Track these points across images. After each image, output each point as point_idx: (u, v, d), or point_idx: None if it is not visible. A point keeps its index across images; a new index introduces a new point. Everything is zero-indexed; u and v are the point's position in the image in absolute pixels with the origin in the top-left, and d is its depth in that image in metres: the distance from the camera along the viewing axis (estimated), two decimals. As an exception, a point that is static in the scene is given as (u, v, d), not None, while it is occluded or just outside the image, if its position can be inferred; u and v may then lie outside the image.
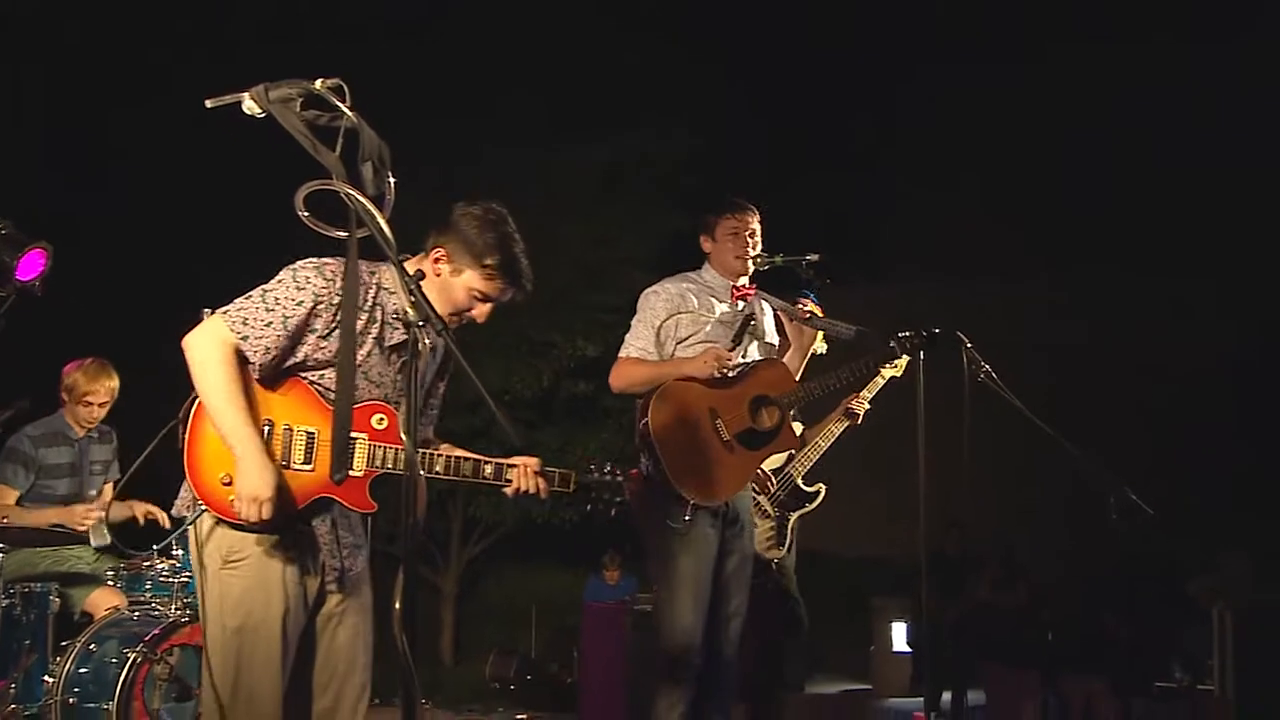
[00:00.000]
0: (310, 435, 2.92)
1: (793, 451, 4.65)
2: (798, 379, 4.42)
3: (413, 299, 2.34)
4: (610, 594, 9.62)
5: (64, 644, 4.48)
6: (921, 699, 8.52)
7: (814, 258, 4.25)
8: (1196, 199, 10.92)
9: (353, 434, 2.92)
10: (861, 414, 4.76)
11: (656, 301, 4.35)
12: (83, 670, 4.41)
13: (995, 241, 12.01)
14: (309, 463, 2.92)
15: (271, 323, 2.83)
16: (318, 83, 2.45)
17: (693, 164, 11.01)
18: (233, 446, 2.80)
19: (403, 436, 2.26)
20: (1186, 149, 10.96)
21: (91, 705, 4.36)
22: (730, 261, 4.40)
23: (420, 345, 2.32)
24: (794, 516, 4.63)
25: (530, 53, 11.09)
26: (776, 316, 4.54)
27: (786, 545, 4.72)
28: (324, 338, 2.89)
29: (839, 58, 13.00)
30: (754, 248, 4.40)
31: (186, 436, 2.86)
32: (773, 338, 4.54)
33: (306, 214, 2.90)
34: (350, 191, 2.38)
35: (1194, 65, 10.97)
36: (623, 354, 4.34)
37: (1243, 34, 10.68)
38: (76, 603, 4.79)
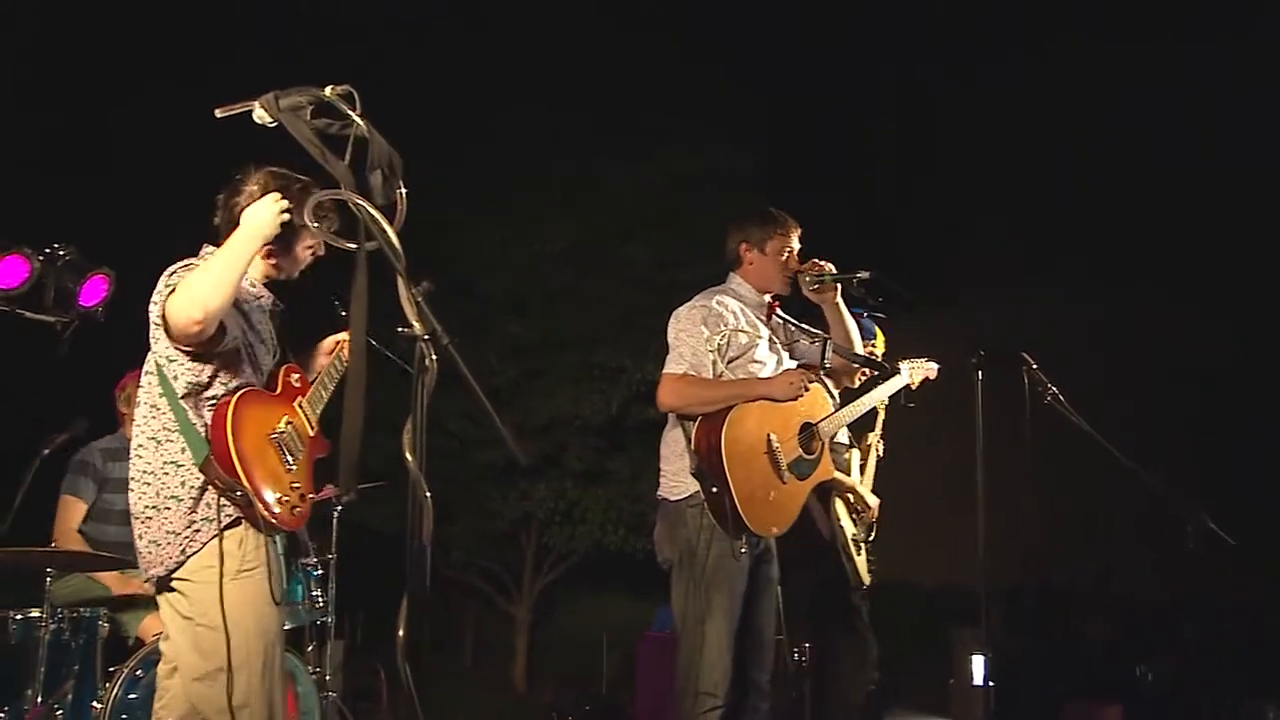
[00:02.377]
0: (291, 424, 3.23)
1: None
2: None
3: (418, 312, 2.24)
4: (680, 623, 9.46)
5: (112, 669, 4.45)
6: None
7: (865, 274, 4.09)
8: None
9: (295, 400, 3.28)
10: (881, 450, 4.62)
11: (706, 315, 4.14)
12: (131, 696, 4.38)
13: (1063, 259, 11.74)
14: (302, 446, 3.28)
15: None
16: (328, 90, 2.40)
17: (755, 184, 10.88)
18: (235, 256, 3.01)
19: (407, 456, 2.14)
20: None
21: (139, 731, 4.32)
22: (776, 279, 4.25)
23: (426, 361, 2.22)
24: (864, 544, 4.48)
25: (592, 72, 11.07)
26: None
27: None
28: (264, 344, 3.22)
29: (905, 71, 12.85)
30: (796, 263, 4.27)
31: (241, 471, 3.02)
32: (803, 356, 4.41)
33: (316, 225, 2.86)
34: (359, 202, 2.31)
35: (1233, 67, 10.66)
36: (675, 370, 4.08)
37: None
38: (129, 628, 4.79)
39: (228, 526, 3.03)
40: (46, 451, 4.87)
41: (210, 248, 3.20)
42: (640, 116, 11.15)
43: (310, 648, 5.42)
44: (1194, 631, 6.99)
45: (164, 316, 3.00)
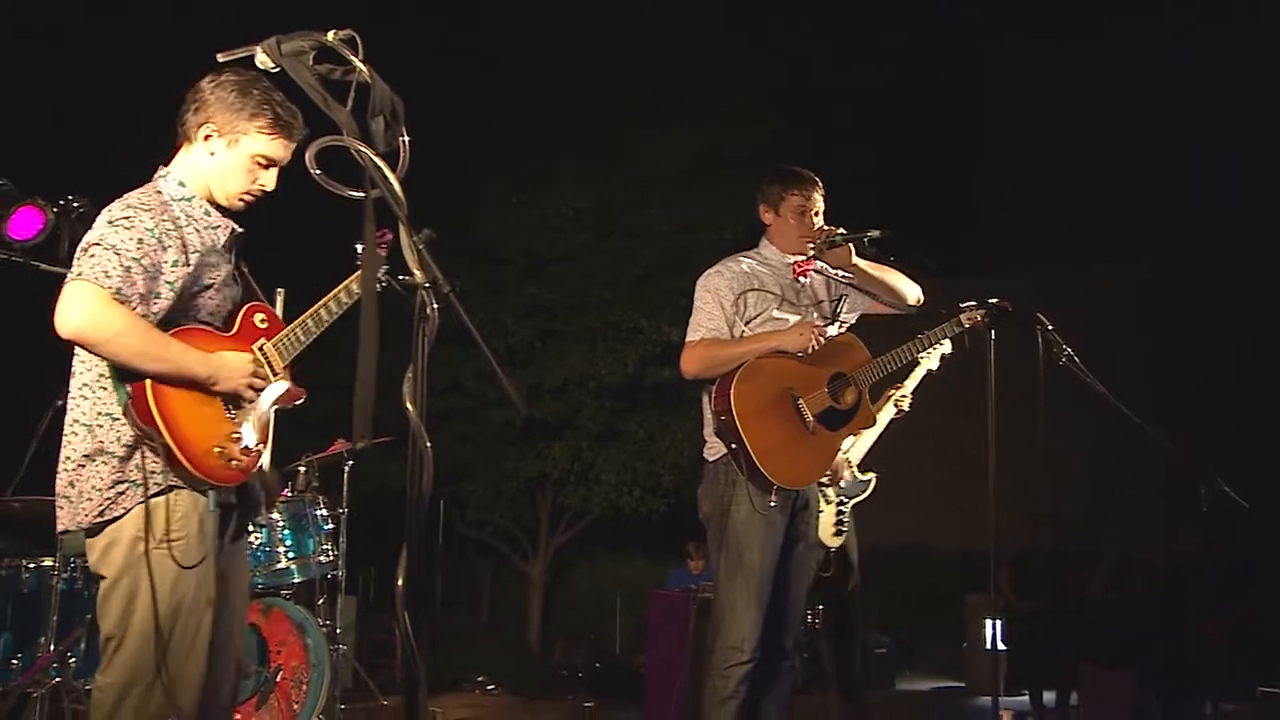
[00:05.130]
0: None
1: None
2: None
3: (420, 260, 2.21)
4: (693, 583, 9.48)
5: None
6: (1015, 698, 8.28)
7: (876, 233, 4.04)
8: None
9: (256, 343, 2.97)
10: (906, 405, 4.51)
11: (721, 281, 4.17)
12: (143, 646, 4.40)
13: (1093, 230, 11.69)
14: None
15: (130, 268, 2.71)
16: (330, 35, 2.36)
17: (779, 148, 10.78)
18: (194, 374, 2.77)
19: (408, 407, 2.12)
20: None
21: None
22: (793, 241, 4.22)
23: (428, 310, 2.20)
24: (850, 504, 4.42)
25: (613, 35, 10.98)
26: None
27: (844, 534, 4.52)
28: (185, 267, 2.82)
29: (933, 37, 12.72)
30: (821, 224, 4.21)
31: (162, 426, 2.73)
32: (845, 313, 4.36)
33: (319, 172, 2.83)
34: (361, 148, 2.27)
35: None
36: (693, 337, 4.14)
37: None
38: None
39: (155, 495, 2.76)
40: (60, 403, 4.85)
41: (164, 170, 2.95)
42: (661, 81, 11.07)
43: (321, 601, 5.45)
44: (1211, 600, 6.96)
45: (69, 290, 2.68)
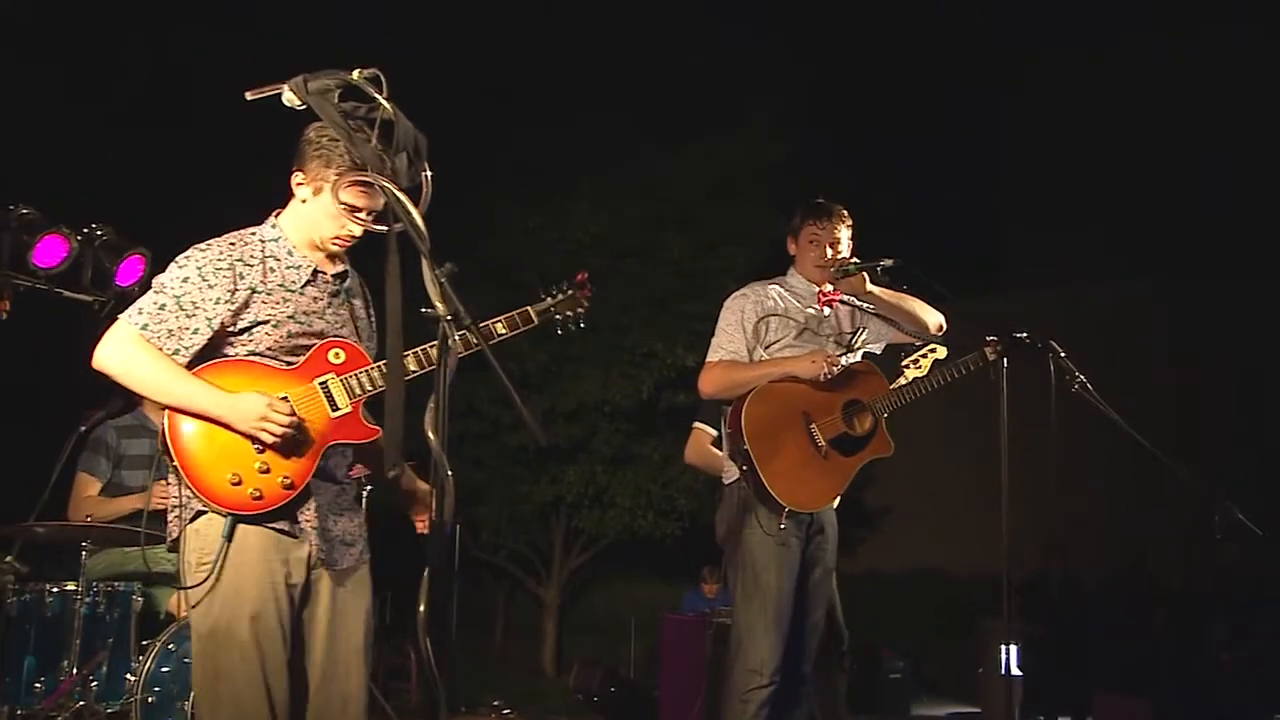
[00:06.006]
0: (284, 400, 2.93)
1: None
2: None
3: (442, 293, 2.26)
4: (708, 607, 9.48)
5: (145, 643, 4.53)
6: (1029, 725, 8.25)
7: (888, 262, 4.09)
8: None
9: (320, 378, 2.98)
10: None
11: (745, 304, 4.25)
12: (164, 669, 4.45)
13: (1110, 250, 11.69)
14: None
15: (165, 305, 2.87)
16: (355, 73, 2.42)
17: (795, 171, 10.83)
18: (203, 409, 2.83)
19: (429, 435, 2.16)
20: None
21: (170, 704, 4.40)
22: (810, 268, 4.30)
23: (450, 340, 2.24)
24: None
25: (629, 55, 11.07)
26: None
27: None
28: (229, 304, 2.90)
29: (952, 60, 12.77)
30: (839, 255, 4.26)
31: (173, 452, 2.85)
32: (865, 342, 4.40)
33: (343, 206, 2.91)
34: (385, 184, 2.33)
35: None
36: (713, 358, 4.23)
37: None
38: (160, 603, 4.86)
39: (192, 519, 2.87)
40: (83, 429, 4.94)
41: (273, 219, 3.07)
42: (676, 104, 11.14)
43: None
44: (1225, 629, 6.93)
45: (114, 327, 2.88)
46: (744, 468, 4.01)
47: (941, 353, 4.45)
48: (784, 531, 3.97)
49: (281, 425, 2.84)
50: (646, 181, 11.38)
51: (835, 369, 4.06)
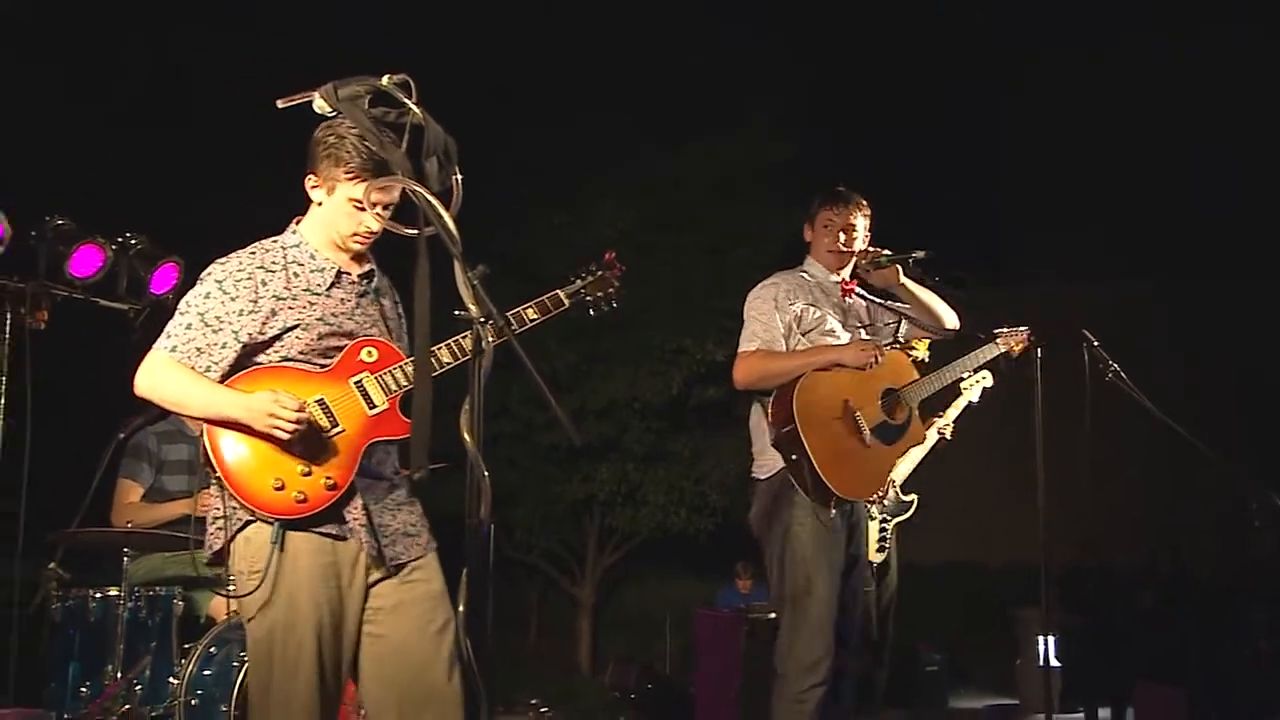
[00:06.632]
0: (320, 401, 2.94)
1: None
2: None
3: (474, 295, 2.28)
4: (742, 602, 9.49)
5: (187, 646, 4.58)
6: (1069, 715, 8.20)
7: (921, 254, 4.06)
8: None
9: (355, 377, 2.99)
10: (949, 434, 4.55)
11: (778, 291, 4.15)
12: (205, 673, 4.49)
13: (1110, 250, 11.62)
14: (336, 425, 2.95)
15: (190, 324, 2.90)
16: (385, 79, 2.44)
17: (796, 171, 10.79)
18: (226, 415, 2.85)
19: (465, 437, 2.18)
20: None
21: (213, 706, 4.44)
22: (823, 254, 4.25)
23: (484, 343, 2.26)
24: (894, 523, 4.44)
25: (630, 60, 11.08)
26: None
27: (886, 551, 4.54)
28: (254, 314, 2.92)
29: (961, 54, 12.71)
30: (854, 243, 4.23)
31: (215, 464, 2.88)
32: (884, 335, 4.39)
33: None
34: (416, 188, 2.35)
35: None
36: (748, 347, 4.09)
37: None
38: (200, 607, 4.92)
39: (240, 529, 2.89)
40: (123, 436, 4.98)
41: (294, 226, 3.09)
42: (697, 106, 11.14)
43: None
44: (1261, 619, 6.85)
45: (148, 355, 2.92)
46: (793, 457, 3.90)
47: (989, 381, 4.46)
48: (833, 523, 3.92)
49: (289, 420, 2.82)
50: (647, 181, 11.39)
51: (882, 357, 4.03)
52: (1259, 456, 9.58)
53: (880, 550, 4.31)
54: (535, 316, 3.25)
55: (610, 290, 3.45)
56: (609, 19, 11.12)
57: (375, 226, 3.02)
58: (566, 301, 3.34)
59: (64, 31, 9.67)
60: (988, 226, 13.41)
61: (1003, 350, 4.27)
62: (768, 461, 4.08)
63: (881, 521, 4.28)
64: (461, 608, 2.17)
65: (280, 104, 2.53)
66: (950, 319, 4.33)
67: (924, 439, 4.37)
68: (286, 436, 2.85)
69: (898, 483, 4.40)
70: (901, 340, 4.40)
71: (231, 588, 3.00)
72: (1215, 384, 10.76)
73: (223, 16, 10.33)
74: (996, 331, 4.30)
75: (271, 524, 2.88)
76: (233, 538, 2.91)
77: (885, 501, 4.28)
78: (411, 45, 10.61)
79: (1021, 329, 4.25)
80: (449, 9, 11.12)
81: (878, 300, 4.33)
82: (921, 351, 4.62)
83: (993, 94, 13.35)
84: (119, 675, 4.45)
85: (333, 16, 10.44)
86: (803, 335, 4.13)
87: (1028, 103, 13.36)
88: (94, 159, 9.06)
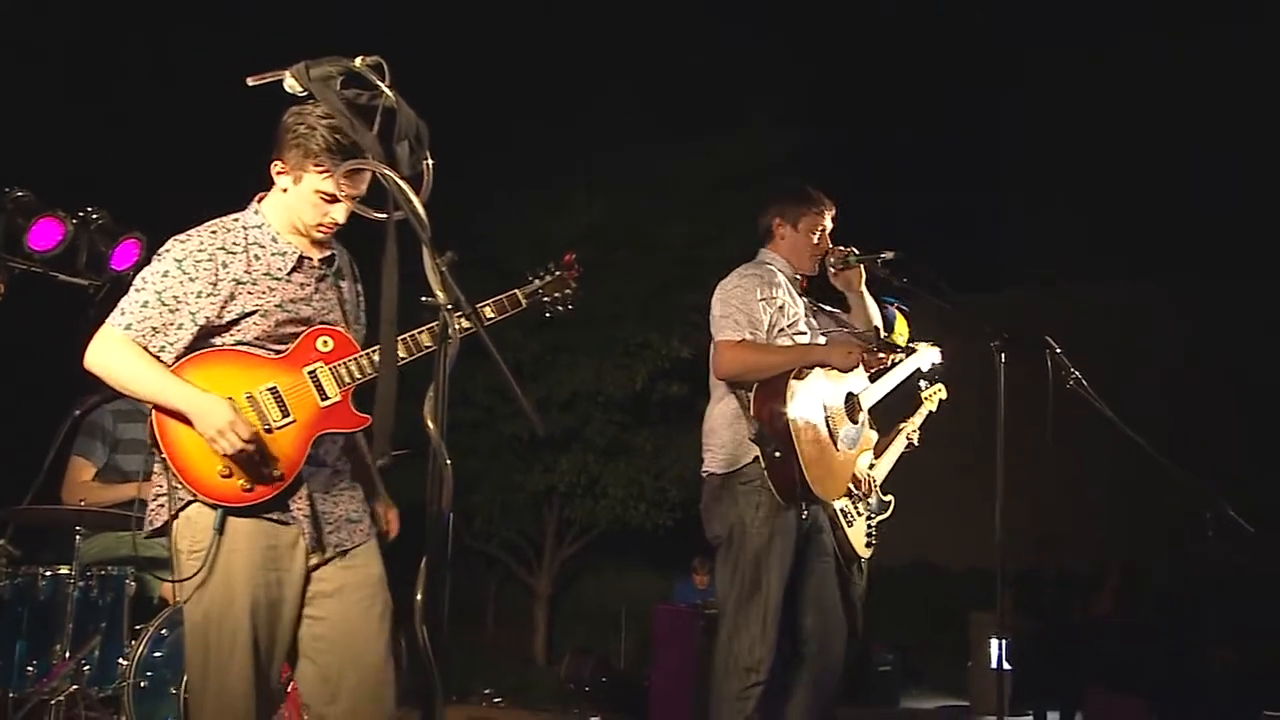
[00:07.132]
0: (273, 390, 2.91)
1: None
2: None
3: (443, 282, 2.25)
4: (699, 598, 9.51)
5: (138, 627, 4.53)
6: (1019, 718, 8.27)
7: (889, 255, 4.05)
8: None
9: (309, 367, 2.95)
10: (916, 440, 4.61)
11: (758, 283, 4.08)
12: (156, 654, 4.45)
13: (1110, 250, 11.71)
14: (287, 415, 2.92)
15: (147, 302, 2.85)
16: (358, 60, 2.41)
17: (796, 170, 10.82)
18: (175, 407, 2.81)
19: (428, 424, 2.16)
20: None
21: (163, 689, 4.40)
22: (806, 258, 4.25)
23: (451, 330, 2.24)
24: (876, 521, 4.46)
25: (630, 50, 11.06)
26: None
27: (873, 545, 4.57)
28: (213, 297, 2.87)
29: (943, 57, 12.77)
30: (826, 243, 4.27)
31: (162, 446, 2.85)
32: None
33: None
34: (385, 171, 2.32)
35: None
36: (732, 336, 3.98)
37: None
38: (153, 588, 4.86)
39: (182, 507, 2.87)
40: (78, 413, 4.92)
41: (256, 205, 3.03)
42: (675, 97, 11.13)
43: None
44: (1218, 626, 6.93)
45: (100, 330, 2.87)
46: (777, 454, 3.84)
47: (944, 393, 4.54)
48: (793, 523, 3.90)
49: (235, 446, 2.79)
50: (642, 172, 11.36)
51: (866, 360, 4.04)
52: (1259, 456, 9.74)
53: (869, 545, 4.34)
54: (493, 315, 3.23)
55: (567, 291, 3.45)
56: (609, 19, 11.08)
57: (340, 218, 2.99)
58: (524, 302, 3.32)
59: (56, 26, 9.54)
60: (986, 226, 13.50)
61: (918, 366, 4.40)
62: (732, 455, 4.02)
63: (867, 519, 4.31)
64: (419, 595, 2.15)
65: (250, 81, 2.49)
66: (881, 331, 4.35)
67: (870, 445, 4.40)
68: (223, 454, 2.81)
69: (878, 483, 4.44)
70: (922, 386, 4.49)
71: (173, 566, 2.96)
72: (1215, 384, 10.87)
73: (223, 16, 10.23)
74: (912, 345, 4.37)
75: (216, 510, 2.85)
76: (175, 515, 2.87)
77: (870, 500, 4.30)
78: (412, 46, 10.52)
79: (931, 346, 4.35)
80: (449, 11, 11.06)
81: (820, 305, 4.35)
82: (932, 403, 4.70)
83: (992, 94, 13.40)
84: (67, 655, 4.40)
85: (333, 16, 10.35)
86: (778, 332, 4.09)
87: (1027, 103, 13.43)
88: (59, 149, 8.94)
